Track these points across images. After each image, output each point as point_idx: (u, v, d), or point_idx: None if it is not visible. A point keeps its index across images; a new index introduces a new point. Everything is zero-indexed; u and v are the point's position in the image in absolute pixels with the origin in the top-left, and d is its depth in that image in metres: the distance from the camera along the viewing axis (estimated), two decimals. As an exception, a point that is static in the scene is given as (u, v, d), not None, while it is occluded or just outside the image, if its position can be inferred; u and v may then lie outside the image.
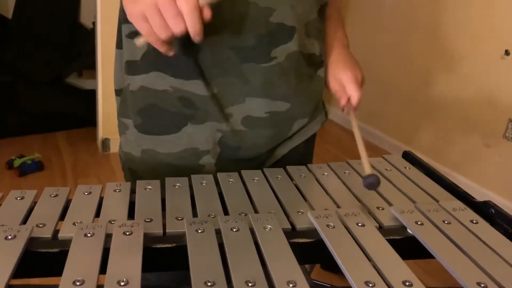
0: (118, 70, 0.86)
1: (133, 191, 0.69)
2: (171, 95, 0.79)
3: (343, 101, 0.89)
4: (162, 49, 0.65)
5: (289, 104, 0.83)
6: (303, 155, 0.94)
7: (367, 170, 0.75)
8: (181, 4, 0.58)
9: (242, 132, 0.82)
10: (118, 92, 0.88)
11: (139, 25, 0.63)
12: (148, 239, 0.56)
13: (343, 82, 0.88)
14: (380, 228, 0.64)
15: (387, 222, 0.64)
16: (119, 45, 0.84)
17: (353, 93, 0.87)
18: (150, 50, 0.77)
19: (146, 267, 0.50)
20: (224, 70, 0.77)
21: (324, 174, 0.81)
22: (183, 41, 0.66)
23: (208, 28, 0.74)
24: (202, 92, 0.78)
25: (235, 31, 0.75)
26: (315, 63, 0.88)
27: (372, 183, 0.72)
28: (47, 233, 0.57)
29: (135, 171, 0.86)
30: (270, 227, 0.58)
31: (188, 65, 0.77)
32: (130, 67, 0.81)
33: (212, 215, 0.63)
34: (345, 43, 0.94)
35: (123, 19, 0.81)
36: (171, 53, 0.67)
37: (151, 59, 0.78)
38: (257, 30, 0.75)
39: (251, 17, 0.74)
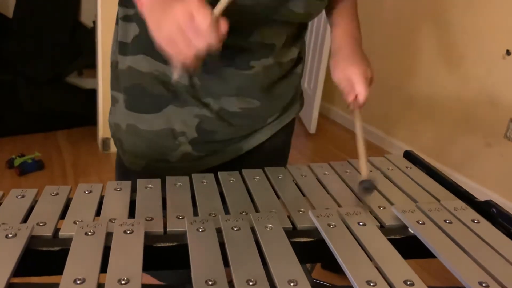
0: (114, 43, 0.89)
1: (133, 190, 0.69)
2: (155, 78, 0.83)
3: (350, 98, 0.88)
4: (193, 64, 0.68)
5: (259, 102, 0.87)
6: (281, 142, 0.98)
7: (364, 174, 0.74)
8: (199, 21, 0.62)
9: (219, 120, 0.86)
10: (112, 64, 0.90)
11: (168, 48, 0.66)
12: (149, 237, 0.56)
13: (352, 78, 0.87)
14: (382, 227, 0.64)
15: (388, 222, 0.64)
16: (117, 21, 0.87)
17: (361, 91, 0.86)
18: (141, 34, 0.81)
19: (147, 266, 0.49)
20: (207, 68, 0.81)
21: (325, 174, 0.81)
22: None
23: None
24: (184, 81, 0.82)
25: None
26: (291, 65, 0.91)
27: (367, 188, 0.71)
28: (47, 232, 0.57)
29: (121, 141, 0.90)
30: (271, 226, 0.58)
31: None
32: (122, 47, 0.85)
33: (213, 214, 0.63)
34: (358, 38, 0.93)
35: (120, 2, 0.85)
36: (198, 66, 0.69)
37: (141, 44, 0.82)
38: (238, 45, 0.79)
39: (232, 34, 0.76)
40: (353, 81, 0.87)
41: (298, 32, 0.89)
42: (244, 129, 0.90)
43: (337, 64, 0.91)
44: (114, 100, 0.90)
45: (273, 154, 0.97)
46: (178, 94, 0.83)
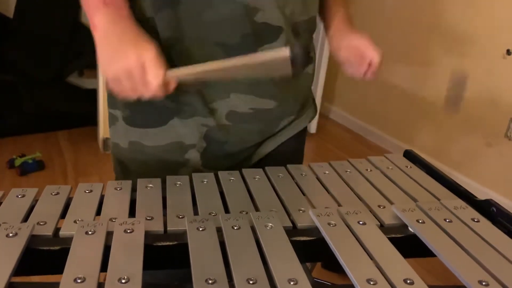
0: None
1: (134, 189, 0.69)
2: None
3: (364, 67, 0.85)
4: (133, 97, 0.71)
5: (275, 103, 0.83)
6: (292, 151, 0.94)
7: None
8: (150, 78, 0.67)
9: (227, 126, 0.82)
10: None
11: (112, 85, 0.70)
12: (149, 237, 0.56)
13: (360, 47, 0.85)
14: (382, 226, 0.64)
15: (388, 221, 0.64)
16: None
17: (374, 54, 0.84)
18: None
19: (147, 265, 0.50)
20: None
21: (325, 173, 0.81)
22: None
23: (195, 23, 0.75)
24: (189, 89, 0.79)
25: (220, 29, 0.76)
26: None
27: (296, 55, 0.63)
28: (48, 231, 0.57)
29: (122, 161, 0.87)
30: (271, 225, 0.58)
31: (175, 59, 0.78)
32: None
33: (213, 213, 0.63)
34: (352, 22, 0.92)
35: None
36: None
37: None
38: (242, 29, 0.76)
39: (236, 16, 0.75)
40: (362, 49, 0.84)
41: (307, 23, 0.84)
42: (255, 137, 0.86)
43: (339, 43, 0.89)
44: (113, 119, 0.86)
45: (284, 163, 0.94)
46: (183, 104, 0.80)
